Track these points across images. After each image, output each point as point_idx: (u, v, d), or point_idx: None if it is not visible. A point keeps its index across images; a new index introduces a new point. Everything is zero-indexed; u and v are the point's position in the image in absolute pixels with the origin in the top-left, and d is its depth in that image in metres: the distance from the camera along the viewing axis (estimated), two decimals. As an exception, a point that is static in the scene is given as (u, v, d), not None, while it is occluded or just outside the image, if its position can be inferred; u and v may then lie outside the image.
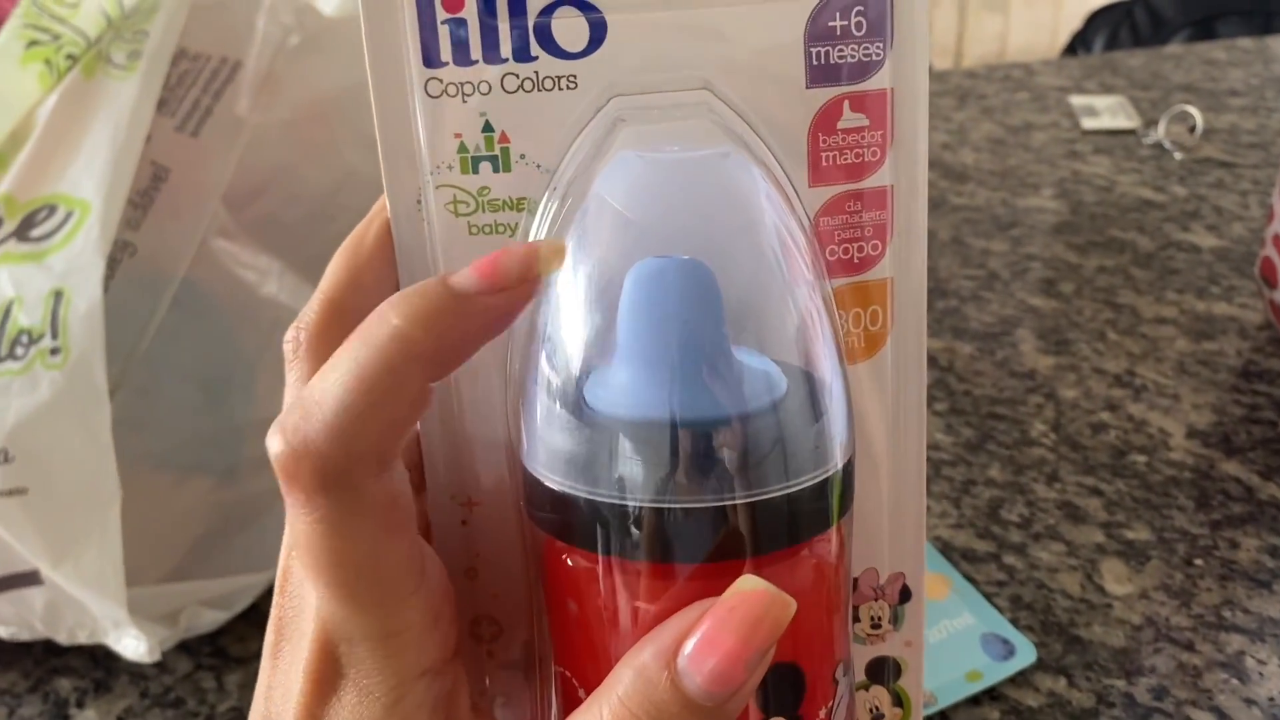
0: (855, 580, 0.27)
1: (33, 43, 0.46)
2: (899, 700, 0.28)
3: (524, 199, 0.25)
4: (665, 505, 0.22)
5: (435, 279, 0.22)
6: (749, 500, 0.22)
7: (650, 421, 0.22)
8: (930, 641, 0.43)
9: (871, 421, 0.27)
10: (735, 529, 0.22)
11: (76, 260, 0.39)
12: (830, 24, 0.24)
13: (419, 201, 0.25)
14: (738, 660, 0.20)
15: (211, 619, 0.42)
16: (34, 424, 0.38)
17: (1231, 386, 0.58)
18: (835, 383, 0.24)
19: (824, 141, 0.25)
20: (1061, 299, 0.66)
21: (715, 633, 0.20)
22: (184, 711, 0.41)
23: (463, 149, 0.24)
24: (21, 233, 0.40)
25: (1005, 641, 0.43)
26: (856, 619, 0.27)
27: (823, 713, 0.24)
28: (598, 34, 0.24)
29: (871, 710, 0.28)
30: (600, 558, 0.22)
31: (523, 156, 0.25)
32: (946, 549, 0.48)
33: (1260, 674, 0.41)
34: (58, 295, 0.39)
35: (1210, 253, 0.71)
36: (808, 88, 0.25)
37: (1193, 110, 0.87)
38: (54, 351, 0.38)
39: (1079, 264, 0.70)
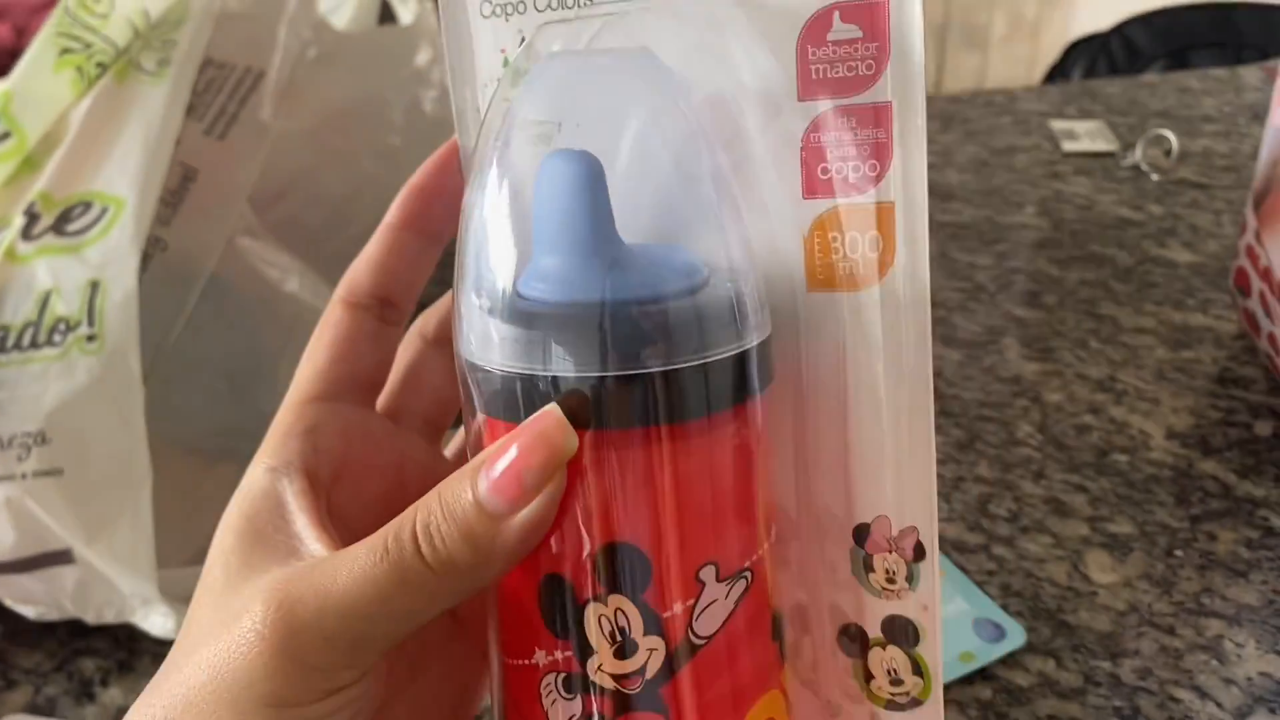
0: (868, 526, 0.27)
1: (65, 50, 0.48)
2: (918, 669, 0.28)
3: None
4: (579, 376, 0.23)
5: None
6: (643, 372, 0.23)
7: (571, 304, 0.23)
8: (925, 624, 0.45)
9: (872, 355, 0.26)
10: (653, 397, 0.23)
11: (112, 253, 0.41)
12: None
13: (477, 109, 0.28)
14: (514, 470, 0.23)
15: (233, 602, 0.44)
16: (70, 407, 0.39)
17: (1208, 392, 0.60)
18: (748, 271, 0.25)
19: (813, 54, 0.25)
20: (1045, 310, 0.69)
21: (506, 444, 0.23)
22: (206, 691, 0.42)
23: (506, 63, 0.27)
24: (59, 227, 0.42)
25: (996, 625, 0.45)
26: (871, 569, 0.28)
27: (678, 608, 0.24)
28: None
29: (890, 673, 0.28)
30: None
31: None
32: (939, 541, 0.50)
33: (1238, 655, 0.43)
34: (94, 285, 0.41)
35: (1186, 268, 0.74)
36: None
37: (1169, 134, 0.91)
38: (90, 339, 0.40)
39: (1061, 277, 0.73)
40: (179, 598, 0.42)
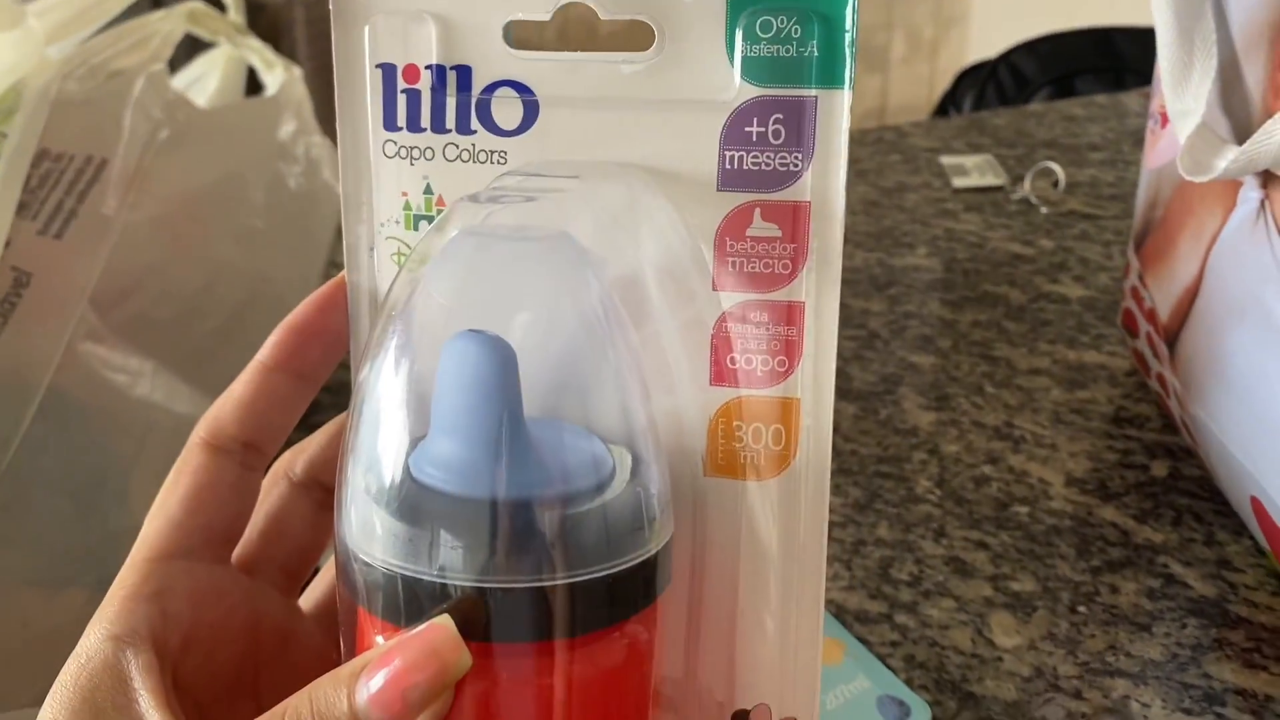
0: (747, 713, 0.27)
1: (-117, 148, 0.45)
2: None
3: None
4: (474, 584, 0.22)
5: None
6: (555, 583, 0.22)
7: (465, 500, 0.22)
8: (827, 708, 0.43)
9: (765, 545, 0.26)
10: (548, 610, 0.22)
11: (-69, 374, 0.38)
12: (746, 129, 0.24)
13: (371, 249, 0.27)
14: (398, 685, 0.21)
15: (89, 739, 0.41)
16: (-112, 549, 0.36)
17: (1104, 433, 0.60)
18: (656, 465, 0.24)
19: (731, 246, 0.25)
20: (940, 355, 0.68)
21: (389, 655, 0.21)
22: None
23: (407, 207, 0.27)
24: None
25: (900, 703, 0.43)
26: None
27: None
28: (530, 116, 0.26)
29: None
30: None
31: None
32: (840, 612, 0.48)
33: (1145, 717, 0.42)
34: (-89, 412, 0.37)
35: (1078, 303, 0.74)
36: (719, 190, 0.25)
37: (1055, 166, 0.91)
38: (-92, 471, 0.37)
39: (955, 320, 0.73)
40: (22, 745, 0.38)
